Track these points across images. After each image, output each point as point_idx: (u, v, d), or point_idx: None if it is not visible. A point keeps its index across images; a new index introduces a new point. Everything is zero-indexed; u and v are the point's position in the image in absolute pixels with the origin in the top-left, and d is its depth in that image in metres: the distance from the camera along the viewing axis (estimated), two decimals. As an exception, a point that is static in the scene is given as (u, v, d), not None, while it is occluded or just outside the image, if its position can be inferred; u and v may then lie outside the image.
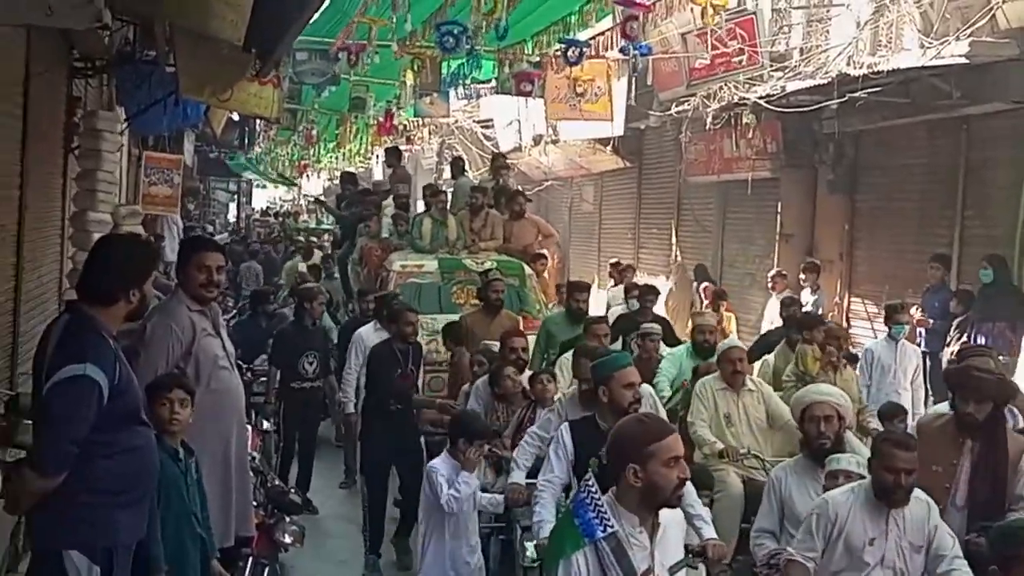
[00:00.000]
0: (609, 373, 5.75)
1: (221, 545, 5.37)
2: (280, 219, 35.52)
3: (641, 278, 16.79)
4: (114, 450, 4.21)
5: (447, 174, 30.66)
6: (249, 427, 7.20)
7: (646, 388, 7.82)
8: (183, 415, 4.96)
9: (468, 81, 15.28)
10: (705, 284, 16.07)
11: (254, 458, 6.95)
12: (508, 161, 16.55)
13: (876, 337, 13.45)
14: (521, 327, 10.10)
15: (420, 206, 15.08)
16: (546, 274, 13.70)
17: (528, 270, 12.34)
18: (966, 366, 5.89)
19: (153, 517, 4.51)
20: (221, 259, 5.70)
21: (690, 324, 10.82)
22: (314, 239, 23.59)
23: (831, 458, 5.60)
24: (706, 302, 14.88)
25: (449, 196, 14.28)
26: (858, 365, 10.12)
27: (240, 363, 7.86)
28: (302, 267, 17.14)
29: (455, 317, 10.67)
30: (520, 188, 15.83)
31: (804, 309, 13.05)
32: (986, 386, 5.60)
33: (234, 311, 15.11)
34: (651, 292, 11.69)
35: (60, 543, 4.16)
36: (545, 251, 13.90)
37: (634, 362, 8.07)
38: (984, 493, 5.50)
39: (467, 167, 17.60)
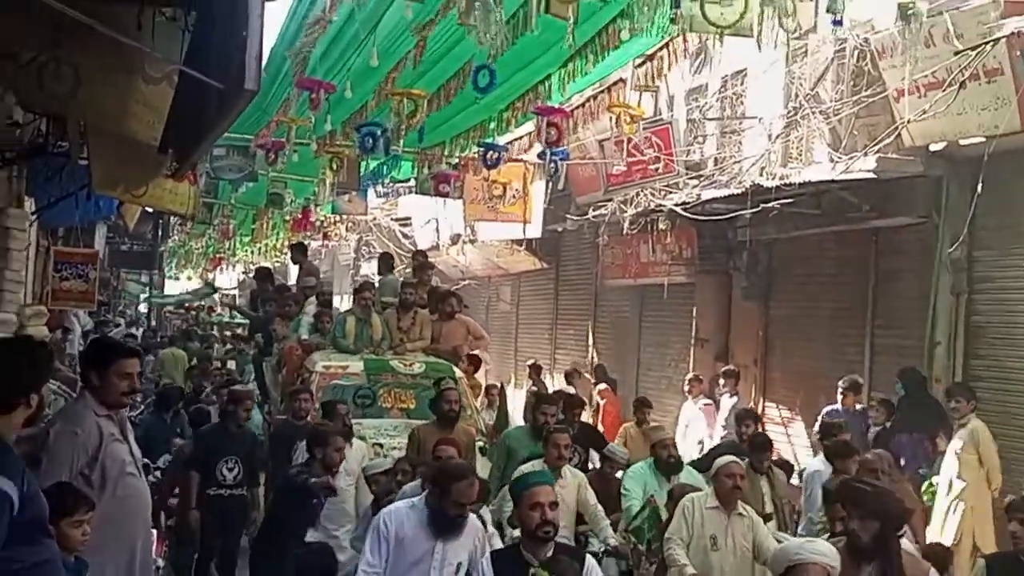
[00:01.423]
0: (518, 494, 5.22)
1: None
2: (194, 312, 34.96)
3: (559, 379, 16.82)
4: (23, 566, 3.96)
5: (364, 270, 30.71)
6: (154, 531, 6.92)
7: None
8: (89, 532, 4.79)
9: (387, 180, 15.35)
10: (604, 386, 15.96)
11: (158, 567, 6.68)
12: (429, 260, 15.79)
13: (791, 442, 13.61)
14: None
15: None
16: (479, 376, 13.24)
17: (458, 372, 11.58)
18: (844, 479, 5.56)
19: None
20: (139, 364, 5.58)
21: (643, 439, 10.66)
22: (227, 332, 23.27)
23: None
24: (602, 402, 14.96)
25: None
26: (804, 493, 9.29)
27: (147, 462, 7.61)
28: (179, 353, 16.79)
29: (381, 422, 10.20)
30: (451, 288, 15.26)
31: (722, 415, 13.12)
32: (864, 499, 5.00)
33: (140, 406, 14.69)
34: (577, 404, 10.78)
35: None
36: (479, 353, 13.42)
37: (593, 482, 7.88)
38: None
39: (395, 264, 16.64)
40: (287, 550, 7.55)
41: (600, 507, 7.95)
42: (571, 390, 13.63)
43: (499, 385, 14.05)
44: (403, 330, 12.25)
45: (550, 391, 13.89)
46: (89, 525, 4.74)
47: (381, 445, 9.92)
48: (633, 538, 7.59)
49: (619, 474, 9.11)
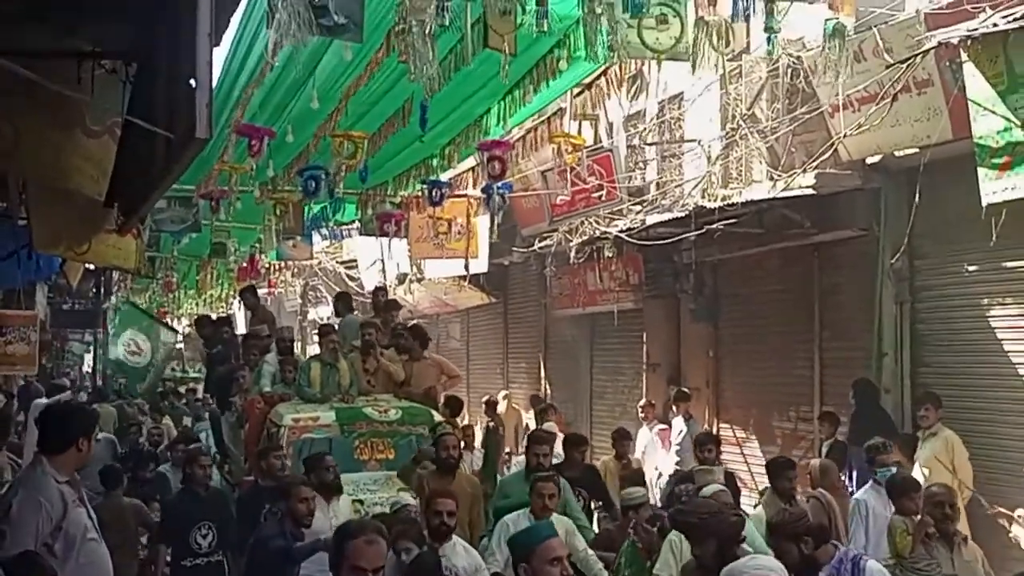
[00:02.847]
0: (529, 548, 4.67)
1: None
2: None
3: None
4: None
5: (312, 315, 30.51)
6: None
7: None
8: None
9: (331, 223, 15.28)
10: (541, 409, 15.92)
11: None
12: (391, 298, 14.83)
13: (746, 461, 13.69)
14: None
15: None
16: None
17: (437, 416, 10.77)
18: (678, 513, 5.58)
19: None
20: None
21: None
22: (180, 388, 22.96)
23: None
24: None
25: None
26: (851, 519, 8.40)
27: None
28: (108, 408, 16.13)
29: (360, 476, 9.44)
30: (418, 324, 14.20)
31: (675, 439, 13.17)
32: (694, 527, 5.24)
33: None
34: (582, 443, 10.25)
35: None
36: (454, 394, 12.64)
37: (632, 546, 7.14)
38: None
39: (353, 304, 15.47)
40: None
41: (591, 553, 7.53)
42: (552, 427, 13.20)
43: (486, 426, 13.20)
44: (370, 372, 11.51)
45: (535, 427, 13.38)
46: None
47: (361, 502, 9.18)
48: None
49: None
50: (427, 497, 7.24)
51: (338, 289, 23.93)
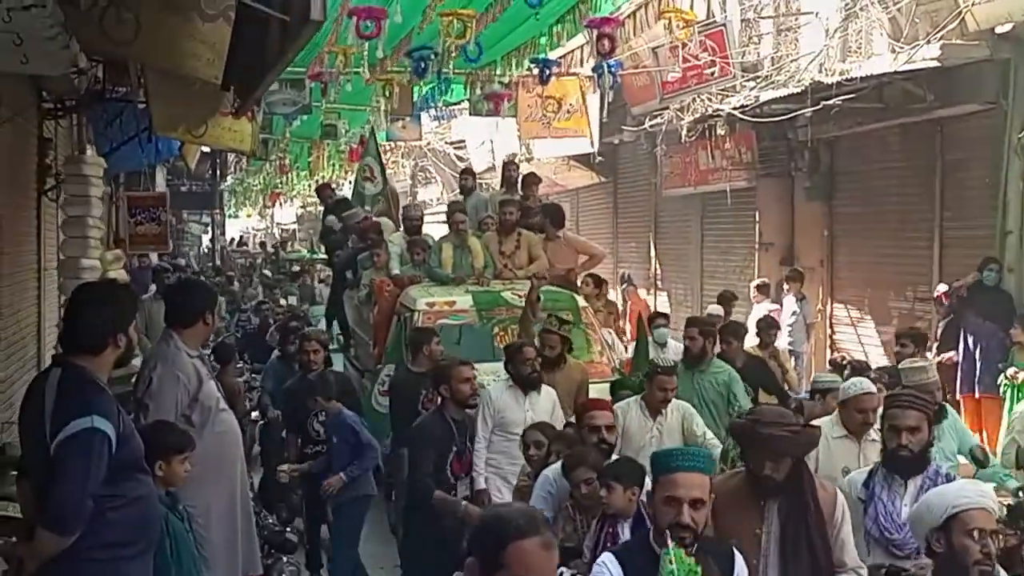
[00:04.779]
0: (656, 472, 4.01)
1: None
2: (274, 248, 35.13)
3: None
4: (121, 502, 4.14)
5: (421, 196, 30.70)
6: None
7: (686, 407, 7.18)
8: (190, 468, 4.92)
9: (439, 104, 15.29)
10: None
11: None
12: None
13: (861, 342, 13.53)
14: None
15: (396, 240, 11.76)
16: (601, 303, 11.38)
17: (581, 302, 10.04)
18: (752, 426, 4.56)
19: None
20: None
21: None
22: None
23: None
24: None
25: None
26: None
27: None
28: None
29: (499, 366, 8.08)
30: (553, 202, 13.38)
31: (787, 319, 13.05)
32: (780, 445, 4.46)
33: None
34: (734, 333, 9.48)
35: None
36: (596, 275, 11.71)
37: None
38: (800, 568, 4.39)
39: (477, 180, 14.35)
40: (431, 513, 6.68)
41: (711, 435, 7.11)
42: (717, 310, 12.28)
43: (639, 314, 11.92)
44: (506, 255, 10.71)
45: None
46: (190, 463, 4.88)
47: None
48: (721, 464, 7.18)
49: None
50: (578, 409, 6.44)
51: (448, 170, 24.10)
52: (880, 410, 5.64)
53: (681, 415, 7.09)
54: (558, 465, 5.59)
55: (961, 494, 4.01)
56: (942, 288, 10.90)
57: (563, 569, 4.86)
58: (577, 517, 5.36)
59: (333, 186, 17.82)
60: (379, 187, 13.71)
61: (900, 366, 7.52)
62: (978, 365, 10.32)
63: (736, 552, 4.04)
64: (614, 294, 15.84)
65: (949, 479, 4.92)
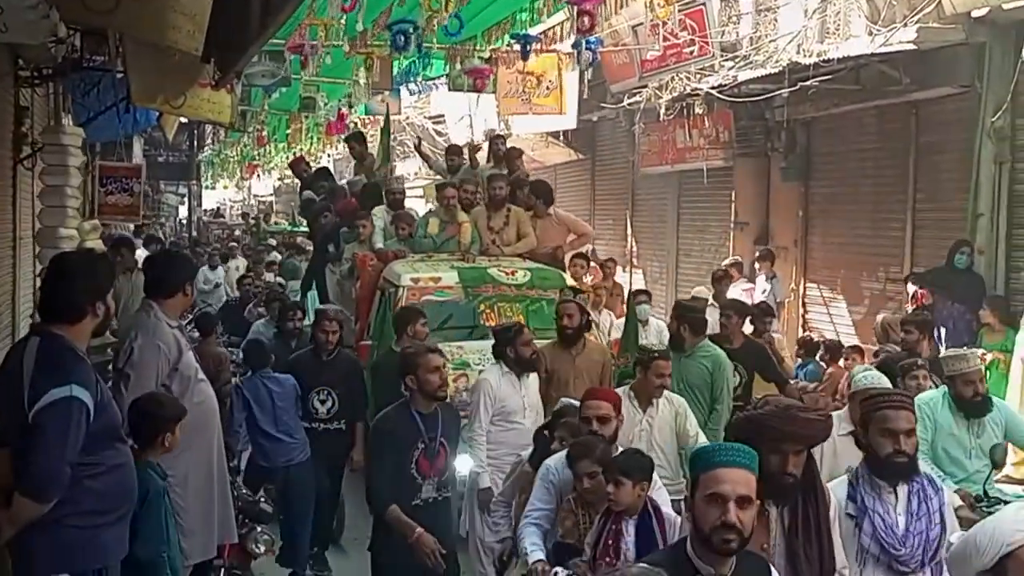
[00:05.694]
0: (696, 471, 3.47)
1: (205, 557, 5.44)
2: (254, 220, 34.98)
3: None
4: (99, 470, 4.21)
5: (400, 170, 30.57)
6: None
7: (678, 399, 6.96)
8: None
9: (419, 78, 15.25)
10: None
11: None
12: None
13: (833, 322, 13.66)
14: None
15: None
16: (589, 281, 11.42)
17: (569, 279, 10.06)
18: (788, 411, 4.05)
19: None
20: None
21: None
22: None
23: None
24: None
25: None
26: None
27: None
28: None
29: (486, 344, 7.97)
30: (541, 179, 13.06)
31: (759, 298, 13.14)
32: (812, 430, 4.07)
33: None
34: (739, 311, 9.04)
35: (50, 570, 4.11)
36: (585, 252, 11.83)
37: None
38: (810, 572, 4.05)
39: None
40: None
41: (704, 438, 6.78)
42: (700, 292, 12.28)
43: (631, 292, 12.00)
44: (495, 230, 10.58)
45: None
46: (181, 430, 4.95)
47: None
48: None
49: None
50: (583, 397, 5.90)
51: (427, 144, 24.04)
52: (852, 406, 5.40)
53: (674, 410, 6.84)
54: (561, 455, 5.30)
55: (1017, 528, 3.27)
56: (913, 289, 10.95)
57: (558, 569, 4.81)
58: (579, 512, 5.10)
59: (308, 160, 17.73)
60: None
61: (941, 355, 7.24)
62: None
63: (772, 569, 3.63)
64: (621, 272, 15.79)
65: (935, 485, 4.56)
